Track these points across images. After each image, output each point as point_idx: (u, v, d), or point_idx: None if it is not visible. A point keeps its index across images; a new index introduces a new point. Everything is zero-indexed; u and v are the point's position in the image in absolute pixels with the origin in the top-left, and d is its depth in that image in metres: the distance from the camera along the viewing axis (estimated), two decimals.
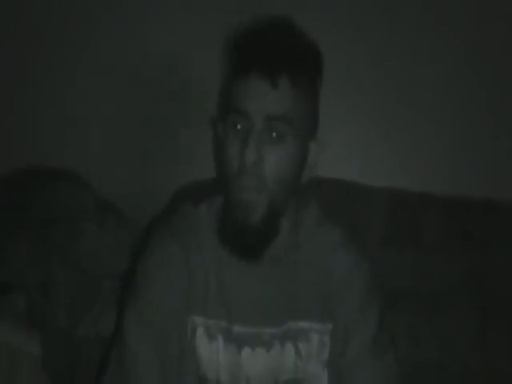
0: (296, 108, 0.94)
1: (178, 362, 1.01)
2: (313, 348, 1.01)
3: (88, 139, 1.53)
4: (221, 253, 1.00)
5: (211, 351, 1.01)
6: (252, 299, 1.00)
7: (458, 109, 1.43)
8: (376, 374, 0.99)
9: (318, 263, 1.02)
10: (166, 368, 1.00)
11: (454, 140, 1.44)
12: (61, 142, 1.53)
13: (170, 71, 1.40)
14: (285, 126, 0.93)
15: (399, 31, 1.42)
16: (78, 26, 1.50)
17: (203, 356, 1.01)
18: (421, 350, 1.28)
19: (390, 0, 1.41)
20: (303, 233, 1.03)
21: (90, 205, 1.36)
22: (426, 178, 1.43)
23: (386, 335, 1.01)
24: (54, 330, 1.24)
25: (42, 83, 1.52)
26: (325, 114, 1.42)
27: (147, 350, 0.99)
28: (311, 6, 1.42)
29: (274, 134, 0.93)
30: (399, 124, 1.44)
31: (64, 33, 1.50)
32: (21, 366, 1.13)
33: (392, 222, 1.35)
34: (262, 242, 0.97)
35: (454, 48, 1.41)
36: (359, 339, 0.99)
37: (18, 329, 1.16)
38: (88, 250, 1.32)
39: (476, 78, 1.42)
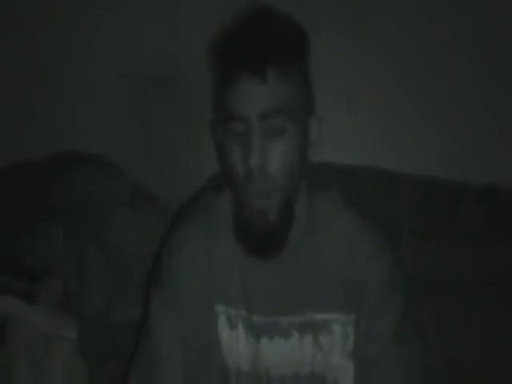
0: (290, 95, 0.93)
1: (204, 350, 1.01)
2: (336, 340, 1.00)
3: (120, 128, 1.53)
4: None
5: (232, 340, 1.01)
6: (270, 289, 1.00)
7: (482, 121, 1.42)
8: (400, 362, 0.98)
9: (338, 251, 1.01)
10: (193, 356, 1.00)
11: (493, 129, 1.42)
12: (93, 130, 1.53)
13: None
14: (283, 119, 0.92)
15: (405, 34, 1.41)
16: (80, 25, 1.50)
17: (225, 345, 1.02)
18: (452, 343, 1.26)
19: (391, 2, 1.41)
20: (322, 221, 1.02)
21: (124, 191, 1.36)
22: (461, 167, 1.41)
23: (410, 323, 1.00)
24: (89, 315, 1.25)
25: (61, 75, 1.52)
26: (341, 127, 1.43)
27: (173, 337, 1.00)
28: (311, 4, 1.42)
29: (274, 131, 0.92)
30: (437, 111, 1.43)
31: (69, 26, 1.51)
32: (56, 350, 1.14)
33: (423, 211, 1.32)
34: (281, 238, 0.96)
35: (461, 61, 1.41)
36: (383, 327, 0.99)
37: (53, 313, 1.17)
38: (123, 237, 1.32)
39: None
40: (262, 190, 0.92)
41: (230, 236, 1.00)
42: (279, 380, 1.03)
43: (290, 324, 1.01)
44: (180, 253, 1.04)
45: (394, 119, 1.44)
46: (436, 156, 1.44)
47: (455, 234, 1.31)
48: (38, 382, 1.16)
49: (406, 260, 1.24)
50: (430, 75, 1.42)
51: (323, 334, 1.01)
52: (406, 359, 0.99)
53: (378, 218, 1.14)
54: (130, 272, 1.30)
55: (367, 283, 1.00)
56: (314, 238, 1.01)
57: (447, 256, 1.30)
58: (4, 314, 1.16)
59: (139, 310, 1.19)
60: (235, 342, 1.01)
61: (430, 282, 1.29)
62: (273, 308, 1.01)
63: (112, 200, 1.34)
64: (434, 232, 1.31)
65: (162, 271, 1.05)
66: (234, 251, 1.01)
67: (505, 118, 1.42)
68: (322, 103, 1.41)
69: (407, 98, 1.44)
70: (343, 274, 1.01)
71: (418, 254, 1.30)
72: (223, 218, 1.02)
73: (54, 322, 1.15)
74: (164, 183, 1.50)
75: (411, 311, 1.01)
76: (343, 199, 1.06)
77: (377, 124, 1.45)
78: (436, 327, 1.26)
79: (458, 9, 1.39)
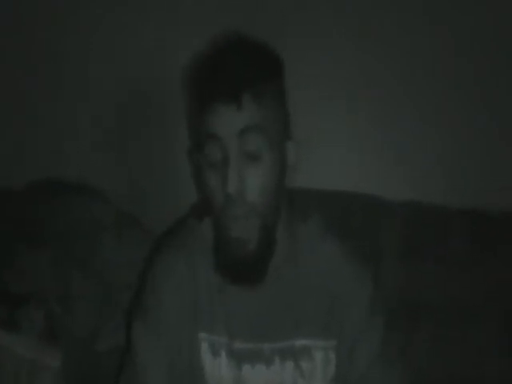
0: (266, 121, 0.93)
1: (187, 376, 1.01)
2: (317, 366, 1.01)
3: (104, 155, 1.53)
4: None
5: (214, 367, 1.01)
6: (251, 315, 1.01)
7: (482, 121, 1.42)
8: (384, 382, 0.99)
9: (319, 277, 1.01)
10: (176, 382, 1.00)
11: (493, 129, 1.42)
12: (92, 131, 1.53)
13: None
14: (260, 140, 0.92)
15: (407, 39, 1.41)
16: (80, 25, 1.49)
17: (207, 371, 1.02)
18: (443, 364, 1.27)
19: (391, 2, 1.41)
20: (303, 246, 1.02)
21: (109, 218, 1.36)
22: (461, 167, 1.42)
23: (391, 346, 1.01)
24: (74, 342, 1.25)
25: (55, 95, 1.53)
26: (341, 127, 1.43)
27: (156, 363, 1.00)
28: (311, 4, 1.42)
29: (250, 156, 0.92)
30: (437, 111, 1.43)
31: (61, 40, 1.51)
32: (40, 379, 1.12)
33: (413, 235, 1.34)
34: (261, 267, 0.96)
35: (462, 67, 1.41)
36: (365, 352, 0.99)
37: (37, 342, 1.16)
38: (108, 263, 1.32)
39: None
40: (241, 214, 0.92)
41: (212, 263, 1.00)
42: None
43: (271, 350, 1.01)
44: (163, 279, 1.03)
45: (394, 119, 1.44)
46: (436, 156, 1.44)
47: (448, 253, 1.32)
48: None
49: (397, 282, 1.28)
50: (430, 75, 1.42)
51: (304, 359, 1.01)
52: (391, 379, 0.99)
53: (365, 242, 1.16)
54: (115, 298, 1.31)
55: (349, 307, 1.00)
56: (297, 264, 1.02)
57: (442, 275, 1.31)
58: None
59: (124, 335, 1.19)
60: (218, 369, 1.01)
61: (426, 301, 1.30)
62: (254, 335, 1.01)
63: (98, 226, 1.34)
64: (429, 253, 1.33)
65: (145, 297, 1.04)
66: (216, 278, 1.00)
67: (505, 118, 1.42)
68: (322, 103, 1.43)
69: (407, 98, 1.44)
70: (325, 300, 1.01)
71: (413, 274, 1.31)
72: (205, 244, 1.02)
73: (38, 350, 1.14)
74: (164, 185, 1.50)
75: (399, 330, 1.02)
76: (326, 225, 1.06)
77: (377, 124, 1.45)
78: (432, 343, 1.27)
79: (458, 9, 1.39)
